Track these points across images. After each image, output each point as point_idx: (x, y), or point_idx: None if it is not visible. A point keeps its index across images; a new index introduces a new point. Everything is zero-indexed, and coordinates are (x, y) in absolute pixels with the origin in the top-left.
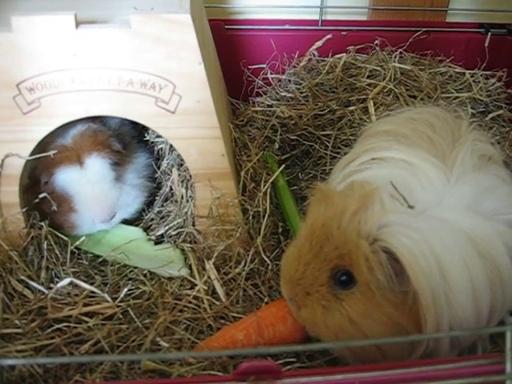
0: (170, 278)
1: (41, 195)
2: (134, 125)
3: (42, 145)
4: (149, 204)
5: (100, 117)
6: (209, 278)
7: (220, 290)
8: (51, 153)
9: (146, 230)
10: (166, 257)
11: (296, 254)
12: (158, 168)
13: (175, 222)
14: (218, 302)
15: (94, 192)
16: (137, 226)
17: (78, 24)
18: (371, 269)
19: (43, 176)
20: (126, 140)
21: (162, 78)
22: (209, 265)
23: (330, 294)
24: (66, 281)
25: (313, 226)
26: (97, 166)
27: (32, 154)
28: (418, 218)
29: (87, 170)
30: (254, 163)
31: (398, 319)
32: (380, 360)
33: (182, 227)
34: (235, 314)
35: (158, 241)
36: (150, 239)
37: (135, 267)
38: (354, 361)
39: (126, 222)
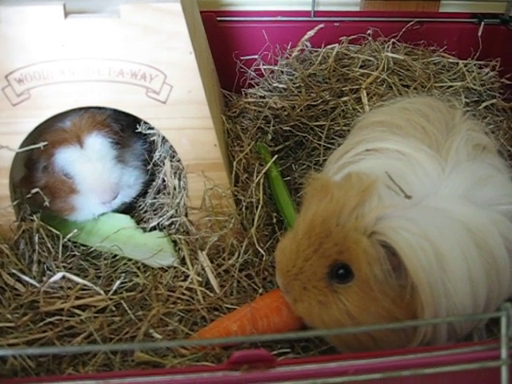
0: (164, 270)
1: (39, 183)
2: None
3: (38, 131)
4: (142, 196)
5: None
6: (202, 268)
7: (213, 281)
8: (41, 144)
9: (139, 222)
10: (155, 245)
11: (294, 248)
12: (151, 160)
13: (168, 214)
14: (211, 294)
15: (96, 170)
16: (132, 217)
17: (66, 14)
18: (370, 264)
19: (42, 160)
20: (123, 124)
21: (152, 67)
22: (202, 255)
23: (328, 289)
24: (59, 275)
25: (312, 222)
26: (97, 145)
27: (24, 143)
28: (415, 208)
29: (88, 149)
30: (247, 154)
31: (395, 313)
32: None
33: (174, 217)
34: (229, 306)
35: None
36: (138, 227)
37: (129, 259)
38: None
39: (124, 210)
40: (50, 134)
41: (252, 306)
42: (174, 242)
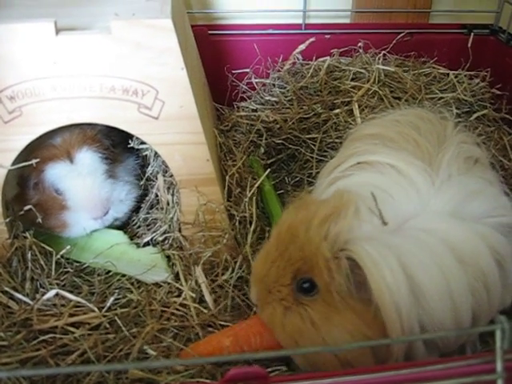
0: (158, 285)
1: (32, 201)
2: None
3: (29, 148)
4: (135, 211)
5: None
6: (196, 284)
7: (208, 297)
8: (34, 161)
9: (133, 237)
10: (148, 260)
11: (264, 254)
12: (144, 175)
13: (162, 229)
14: (205, 310)
15: (86, 185)
16: (125, 233)
17: (57, 31)
18: (330, 271)
19: (32, 177)
20: (114, 140)
21: (144, 83)
22: (198, 270)
23: (292, 298)
24: (52, 292)
25: (281, 227)
26: (87, 160)
27: (16, 160)
28: (392, 232)
29: (78, 164)
30: (239, 168)
31: (362, 328)
32: None
33: (168, 233)
34: (223, 323)
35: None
36: (132, 243)
37: (123, 275)
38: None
39: (118, 227)
40: (40, 150)
41: (246, 322)
42: (168, 258)
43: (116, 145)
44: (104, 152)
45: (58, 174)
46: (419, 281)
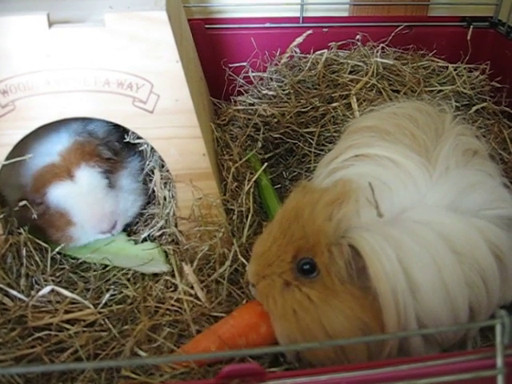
0: (154, 281)
1: (33, 216)
2: (123, 130)
3: (28, 166)
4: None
5: (85, 128)
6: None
7: (200, 294)
8: (28, 156)
9: (130, 233)
10: (146, 255)
11: (266, 234)
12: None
13: (158, 225)
14: (200, 302)
15: (88, 203)
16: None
17: (50, 24)
18: (332, 254)
19: (36, 197)
20: (116, 147)
21: (138, 77)
22: (188, 269)
23: (292, 275)
24: (47, 289)
25: (286, 208)
26: (86, 177)
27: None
28: (390, 223)
29: (78, 183)
30: (236, 162)
31: (358, 313)
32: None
33: (164, 228)
34: (218, 314)
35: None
36: (130, 239)
37: (119, 270)
38: (315, 362)
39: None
40: (40, 169)
41: (230, 323)
42: (165, 253)
43: (118, 152)
44: (103, 165)
45: (59, 194)
46: (414, 272)
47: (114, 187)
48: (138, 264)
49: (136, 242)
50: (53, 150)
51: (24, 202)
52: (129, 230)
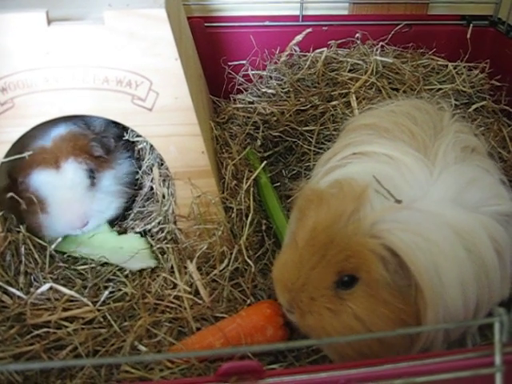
0: (153, 278)
1: (9, 195)
2: (120, 126)
3: (20, 146)
4: (129, 206)
5: (83, 118)
6: (191, 278)
7: (203, 292)
8: (26, 154)
9: (128, 230)
10: (131, 247)
11: (297, 260)
12: (139, 168)
13: (156, 221)
14: (200, 301)
15: (66, 198)
16: (120, 226)
17: (50, 21)
18: (379, 264)
19: (20, 175)
20: (111, 144)
21: (138, 74)
22: (191, 266)
23: (335, 297)
24: (46, 286)
25: (314, 231)
26: (71, 172)
27: (8, 154)
28: (406, 211)
29: (62, 175)
30: (233, 159)
31: (401, 314)
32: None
33: (162, 225)
34: (218, 314)
35: (123, 232)
36: (112, 230)
37: (118, 268)
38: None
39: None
40: (31, 150)
41: (237, 321)
42: (162, 250)
43: (112, 149)
44: (91, 163)
45: (43, 180)
46: (440, 265)
47: (94, 187)
48: (123, 258)
49: (119, 233)
50: (48, 134)
51: (11, 194)
52: (125, 223)
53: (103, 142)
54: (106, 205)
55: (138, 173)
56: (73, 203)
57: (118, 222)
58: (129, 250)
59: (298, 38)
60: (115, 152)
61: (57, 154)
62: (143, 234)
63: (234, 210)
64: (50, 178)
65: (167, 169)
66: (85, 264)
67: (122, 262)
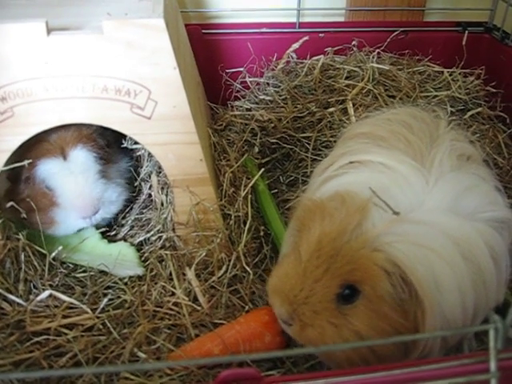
0: (151, 286)
1: (22, 195)
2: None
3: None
4: (127, 212)
5: None
6: (190, 284)
7: (202, 299)
8: (26, 162)
9: (126, 237)
10: (120, 255)
11: (301, 272)
12: (138, 175)
13: (155, 230)
14: (199, 308)
15: (78, 184)
16: (116, 234)
17: (49, 31)
18: (384, 278)
19: (24, 171)
20: (109, 140)
21: (136, 83)
22: (189, 273)
23: (337, 311)
24: (45, 294)
25: (320, 243)
26: (81, 158)
27: (8, 162)
28: (403, 223)
29: (71, 162)
30: (231, 166)
31: (401, 328)
32: None
33: (161, 232)
34: (216, 321)
35: (113, 240)
36: (103, 238)
37: (113, 276)
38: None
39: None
40: (34, 145)
41: (236, 328)
42: (161, 258)
43: (110, 145)
44: (98, 151)
45: (50, 170)
46: (438, 275)
47: (103, 176)
48: (111, 265)
49: (109, 241)
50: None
51: (11, 203)
52: (122, 230)
53: (103, 135)
54: (116, 195)
55: (136, 179)
56: (85, 189)
57: (109, 232)
58: (117, 258)
59: (295, 45)
60: (113, 147)
61: (62, 143)
62: (143, 242)
63: (232, 217)
64: (59, 167)
65: (165, 176)
66: (84, 272)
67: (110, 268)
